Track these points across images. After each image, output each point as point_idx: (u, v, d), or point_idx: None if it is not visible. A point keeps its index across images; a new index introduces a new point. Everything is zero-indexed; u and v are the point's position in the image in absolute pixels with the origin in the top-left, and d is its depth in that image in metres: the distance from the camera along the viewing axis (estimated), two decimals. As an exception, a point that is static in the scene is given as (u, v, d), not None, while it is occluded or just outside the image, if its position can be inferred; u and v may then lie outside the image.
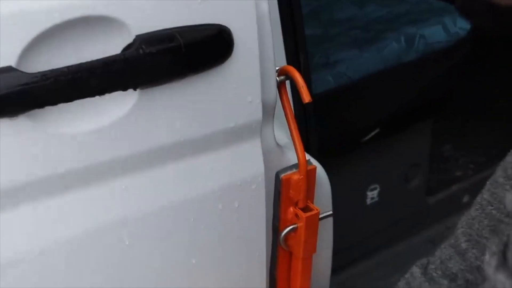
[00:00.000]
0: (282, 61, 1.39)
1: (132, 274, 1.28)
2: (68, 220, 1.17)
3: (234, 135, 1.30)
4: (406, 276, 1.42)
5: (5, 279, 1.13)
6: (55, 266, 1.18)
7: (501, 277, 0.87)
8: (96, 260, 1.22)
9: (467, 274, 1.32)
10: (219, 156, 1.30)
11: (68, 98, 1.08)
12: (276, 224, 1.44)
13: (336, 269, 1.63)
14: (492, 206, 1.31)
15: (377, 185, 2.27)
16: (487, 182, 1.37)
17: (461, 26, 2.22)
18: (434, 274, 1.36)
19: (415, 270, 1.41)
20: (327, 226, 1.53)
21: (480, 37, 2.35)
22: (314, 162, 1.45)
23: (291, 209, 1.43)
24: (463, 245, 1.33)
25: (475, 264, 1.31)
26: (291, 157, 1.43)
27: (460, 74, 2.32)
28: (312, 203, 1.44)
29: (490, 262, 0.91)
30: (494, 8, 0.95)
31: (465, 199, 2.59)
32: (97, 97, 1.11)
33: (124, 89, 1.14)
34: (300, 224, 1.42)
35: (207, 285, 1.38)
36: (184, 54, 1.17)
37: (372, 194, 2.27)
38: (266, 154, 1.36)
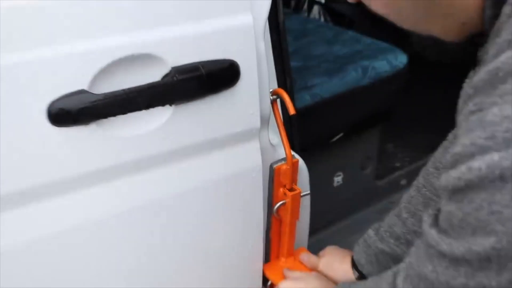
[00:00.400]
0: (274, 85, 1.39)
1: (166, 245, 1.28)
2: (122, 199, 1.18)
3: (240, 137, 1.30)
4: (364, 236, 1.43)
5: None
6: (107, 240, 1.19)
7: (433, 232, 0.87)
8: (138, 235, 1.23)
9: (407, 235, 1.33)
10: (228, 152, 1.30)
11: (124, 111, 1.09)
12: (270, 200, 1.45)
13: (312, 231, 1.64)
14: (425, 188, 1.33)
15: (341, 173, 2.28)
16: (421, 170, 1.38)
17: (400, 60, 2.23)
18: (384, 235, 1.37)
19: (370, 231, 1.42)
20: (306, 202, 1.53)
21: (417, 65, 2.36)
22: (297, 156, 1.46)
23: (281, 189, 1.44)
24: (404, 215, 1.34)
25: (412, 228, 1.32)
26: (281, 153, 1.44)
27: (399, 94, 2.32)
28: (296, 185, 1.46)
29: (426, 220, 0.90)
30: (439, 42, 0.96)
31: (403, 182, 2.58)
32: (143, 110, 1.12)
33: (163, 105, 1.15)
34: (288, 200, 1.43)
35: (221, 243, 1.38)
36: (205, 80, 1.17)
37: (338, 179, 2.28)
38: (262, 151, 1.36)
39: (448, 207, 0.82)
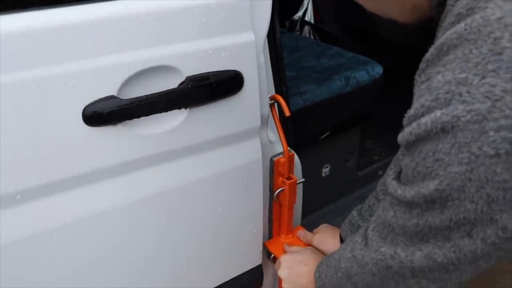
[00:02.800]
0: (272, 91, 1.39)
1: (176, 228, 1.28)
2: (145, 188, 1.17)
3: (243, 135, 1.30)
4: (349, 216, 1.43)
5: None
6: (133, 223, 1.18)
7: (394, 183, 0.88)
8: (158, 218, 1.22)
9: None
10: (233, 148, 1.29)
11: (146, 114, 1.09)
12: (271, 188, 1.45)
13: (304, 214, 1.64)
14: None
15: (328, 165, 2.27)
16: (393, 158, 1.38)
17: (377, 71, 2.22)
18: (365, 214, 1.37)
19: (354, 212, 1.41)
20: (299, 189, 1.53)
21: (391, 75, 2.36)
22: (292, 151, 1.46)
23: (280, 178, 1.43)
24: (381, 196, 1.34)
25: None
26: (278, 148, 1.43)
27: (376, 98, 2.32)
28: (292, 174, 1.46)
29: (390, 175, 0.93)
30: (398, 25, 0.97)
31: (380, 172, 2.58)
32: (163, 113, 1.12)
33: (179, 108, 1.14)
34: (286, 187, 1.43)
35: (227, 224, 1.37)
36: (215, 87, 1.17)
37: (325, 170, 2.27)
38: (262, 146, 1.36)
39: (404, 160, 0.84)
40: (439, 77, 0.75)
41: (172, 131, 1.15)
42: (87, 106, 1.01)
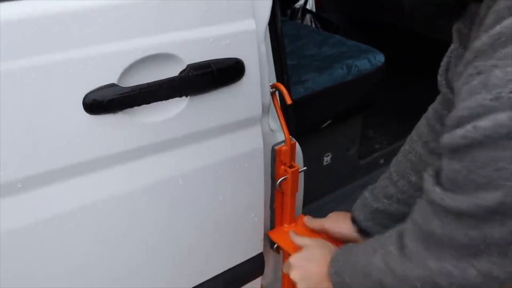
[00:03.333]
0: (273, 80, 1.39)
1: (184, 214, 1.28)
2: (145, 176, 1.17)
3: (244, 124, 1.29)
4: (361, 197, 1.40)
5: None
6: (132, 212, 1.18)
7: (437, 190, 0.81)
8: (158, 207, 1.22)
9: (398, 195, 1.30)
10: (235, 136, 1.28)
11: (147, 102, 1.08)
12: (273, 176, 1.45)
13: (305, 203, 1.63)
14: (411, 154, 1.30)
15: (329, 153, 2.26)
16: (408, 138, 1.34)
17: (378, 59, 2.21)
18: (378, 195, 1.34)
19: (366, 193, 1.39)
20: (300, 177, 1.53)
21: (393, 63, 2.35)
22: (294, 139, 1.45)
23: (282, 167, 1.43)
24: (395, 178, 1.31)
25: (402, 189, 1.29)
26: (279, 137, 1.43)
27: (378, 87, 2.31)
28: (294, 163, 1.45)
29: (428, 179, 0.85)
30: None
31: (381, 161, 2.58)
32: (163, 101, 1.11)
33: (180, 96, 1.13)
34: (288, 176, 1.43)
35: (229, 212, 1.37)
36: (216, 75, 1.16)
37: (327, 159, 2.26)
38: (263, 135, 1.35)
39: (451, 165, 0.77)
40: (497, 72, 0.68)
41: (173, 119, 1.14)
42: (88, 94, 1.01)
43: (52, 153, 1.00)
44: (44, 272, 1.08)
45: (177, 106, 1.14)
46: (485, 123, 0.69)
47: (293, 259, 1.28)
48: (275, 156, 1.42)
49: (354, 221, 1.39)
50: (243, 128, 1.29)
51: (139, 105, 1.07)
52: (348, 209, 2.17)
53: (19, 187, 0.99)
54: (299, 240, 1.37)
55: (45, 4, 0.94)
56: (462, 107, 0.73)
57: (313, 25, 3.05)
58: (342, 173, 2.39)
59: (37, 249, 1.06)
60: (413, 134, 1.33)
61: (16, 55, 0.92)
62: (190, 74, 1.12)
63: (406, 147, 1.33)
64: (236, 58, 1.20)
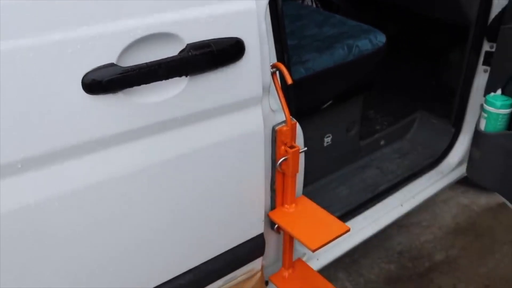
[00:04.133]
0: (274, 60, 1.38)
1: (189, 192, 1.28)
2: (145, 157, 1.16)
3: (245, 104, 1.28)
4: None
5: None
6: (129, 192, 1.17)
7: None
8: (158, 187, 1.21)
9: None
10: (235, 116, 1.28)
11: (146, 81, 1.08)
12: (274, 157, 1.45)
13: (306, 183, 1.63)
14: None
15: (330, 134, 2.25)
16: None
17: (379, 39, 2.19)
18: None
19: None
20: (301, 158, 1.53)
21: (394, 44, 2.33)
22: (294, 120, 1.45)
23: (283, 147, 1.43)
24: None
25: None
26: (280, 117, 1.42)
27: (378, 68, 2.30)
28: (294, 143, 1.45)
29: None
30: None
31: (382, 142, 2.58)
32: (163, 81, 1.10)
33: (179, 76, 1.13)
34: (289, 156, 1.43)
35: (229, 191, 1.37)
36: (216, 55, 1.16)
37: (327, 140, 2.25)
38: (264, 115, 1.35)
39: None
40: None
41: (173, 99, 1.13)
42: (87, 74, 1.00)
43: (51, 133, 1.00)
44: (41, 253, 1.08)
45: (177, 86, 1.14)
46: None
47: None
48: (275, 137, 1.42)
49: None
50: (244, 108, 1.28)
51: (139, 85, 1.07)
52: (348, 190, 2.19)
53: (19, 168, 0.98)
54: None
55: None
56: None
57: (314, 5, 3.03)
58: (342, 154, 2.39)
59: (37, 230, 1.05)
60: None
61: (14, 35, 0.91)
62: (189, 53, 1.11)
63: None
64: (236, 38, 1.19)
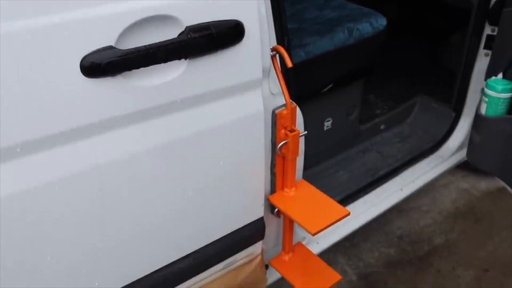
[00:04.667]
0: (274, 43, 1.37)
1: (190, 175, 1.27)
2: (145, 140, 1.15)
3: (245, 87, 1.28)
4: None
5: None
6: (129, 176, 1.17)
7: None
8: (153, 175, 1.21)
9: None
10: (234, 100, 1.27)
11: (145, 64, 1.07)
12: (274, 141, 1.44)
13: (306, 167, 1.63)
14: None
15: (330, 118, 2.25)
16: None
17: (380, 23, 2.18)
18: None
19: None
20: (301, 142, 1.52)
21: (395, 28, 2.32)
22: (294, 103, 1.44)
23: (283, 131, 1.43)
24: None
25: None
26: (280, 101, 1.42)
27: (379, 51, 2.29)
28: (295, 127, 1.44)
29: None
30: None
31: (382, 127, 2.57)
32: (162, 64, 1.09)
33: (179, 59, 1.12)
34: (289, 139, 1.43)
35: (229, 177, 1.36)
36: (215, 38, 1.15)
37: (328, 124, 2.25)
38: (264, 98, 1.34)
39: None
40: None
41: (172, 83, 1.13)
42: (85, 57, 0.99)
43: (50, 117, 0.99)
44: (41, 237, 1.08)
45: (176, 69, 1.13)
46: None
47: None
48: (275, 120, 1.41)
49: None
50: (243, 92, 1.28)
51: (138, 68, 1.06)
52: (348, 174, 2.18)
53: (18, 152, 0.98)
54: None
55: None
56: None
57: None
58: (342, 138, 2.39)
59: (38, 214, 1.05)
60: None
61: (12, 17, 0.90)
62: (189, 36, 1.11)
63: None
64: (236, 20, 1.18)
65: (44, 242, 1.08)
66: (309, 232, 1.43)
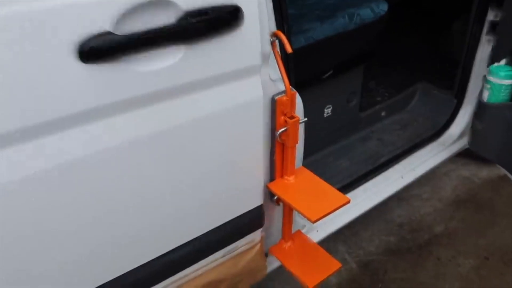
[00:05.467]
0: (273, 28, 1.36)
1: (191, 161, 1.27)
2: (142, 126, 1.15)
3: (244, 73, 1.27)
4: None
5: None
6: (126, 162, 1.16)
7: None
8: (151, 162, 1.20)
9: None
10: (233, 86, 1.27)
11: (144, 50, 1.06)
12: (273, 127, 1.44)
13: (305, 155, 1.63)
14: None
15: (330, 105, 2.24)
16: None
17: (381, 8, 2.16)
18: None
19: None
20: (301, 129, 1.52)
21: (396, 13, 2.31)
22: (294, 89, 1.43)
23: (282, 117, 1.42)
24: None
25: None
26: (280, 87, 1.41)
27: (380, 37, 2.28)
28: (294, 113, 1.44)
29: None
30: None
31: (383, 114, 2.57)
32: (161, 49, 1.09)
33: (178, 44, 1.11)
34: (288, 126, 1.42)
35: (229, 164, 1.36)
36: (214, 22, 1.14)
37: (328, 111, 2.24)
38: (263, 85, 1.33)
39: None
40: None
41: (171, 68, 1.12)
42: (82, 42, 0.98)
43: (46, 103, 0.98)
44: (40, 224, 1.08)
45: (174, 55, 1.12)
46: None
47: None
48: (275, 107, 1.40)
49: None
50: (242, 78, 1.27)
51: (135, 53, 1.05)
52: (348, 162, 2.18)
53: (17, 137, 0.97)
54: None
55: None
56: None
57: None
58: (342, 125, 2.38)
59: (38, 200, 1.05)
60: None
61: (6, 1, 0.89)
62: (187, 21, 1.10)
63: None
64: (235, 5, 1.17)
65: (45, 228, 1.08)
66: (309, 220, 1.42)
